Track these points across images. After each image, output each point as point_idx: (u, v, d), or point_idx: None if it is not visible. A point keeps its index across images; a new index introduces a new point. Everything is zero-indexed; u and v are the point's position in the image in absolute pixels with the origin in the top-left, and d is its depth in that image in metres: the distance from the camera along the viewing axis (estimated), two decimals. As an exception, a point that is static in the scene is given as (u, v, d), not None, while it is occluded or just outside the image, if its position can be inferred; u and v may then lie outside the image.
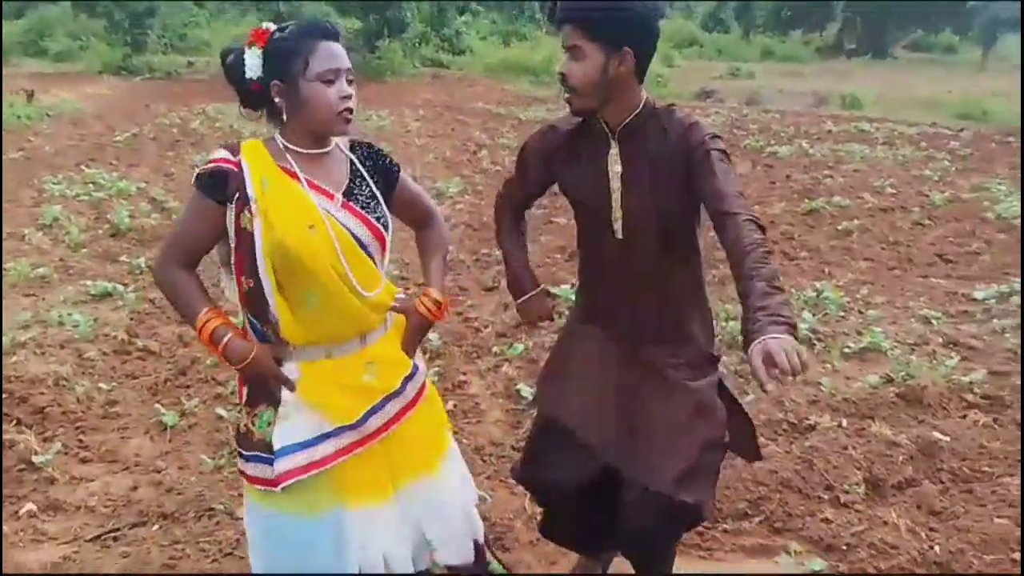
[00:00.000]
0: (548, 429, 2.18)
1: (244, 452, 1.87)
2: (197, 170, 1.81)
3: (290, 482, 1.79)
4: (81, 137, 10.94)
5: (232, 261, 1.81)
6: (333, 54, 1.77)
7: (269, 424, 1.82)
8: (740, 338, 4.41)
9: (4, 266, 5.42)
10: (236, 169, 1.76)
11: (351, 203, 1.85)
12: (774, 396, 3.86)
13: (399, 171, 1.99)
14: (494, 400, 3.88)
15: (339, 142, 1.92)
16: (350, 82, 1.80)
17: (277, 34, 1.78)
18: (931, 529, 2.91)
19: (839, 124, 13.58)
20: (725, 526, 2.93)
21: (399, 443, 1.93)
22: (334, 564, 1.86)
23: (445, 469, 2.04)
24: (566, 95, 1.95)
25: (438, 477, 2.00)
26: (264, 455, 1.82)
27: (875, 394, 3.89)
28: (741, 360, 4.28)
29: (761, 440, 3.40)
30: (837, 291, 5.29)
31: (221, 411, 3.68)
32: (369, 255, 1.86)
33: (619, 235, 2.02)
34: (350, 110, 1.79)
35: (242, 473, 1.89)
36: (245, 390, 1.89)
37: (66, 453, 3.35)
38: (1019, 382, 4.00)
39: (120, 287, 5.24)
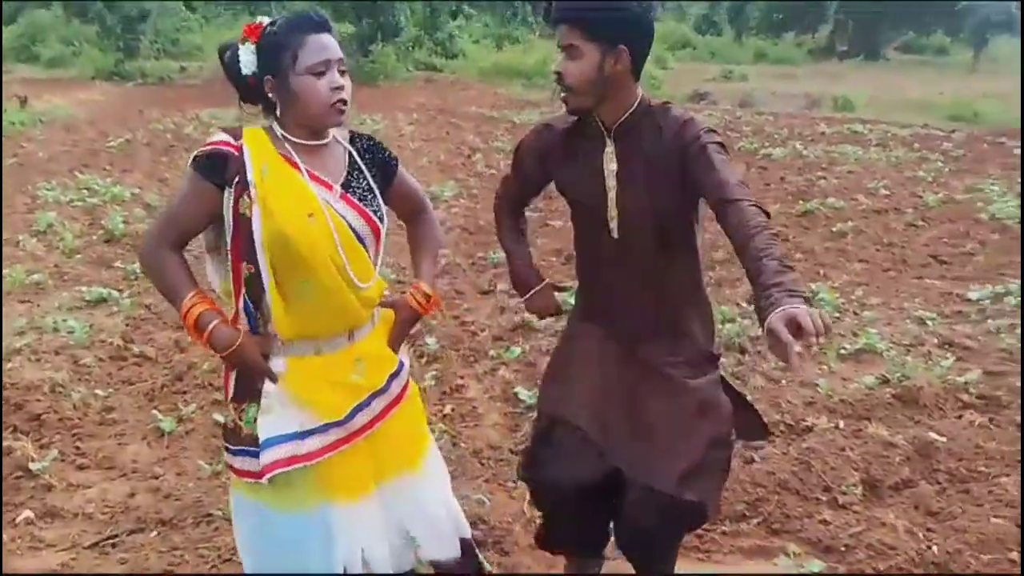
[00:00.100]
0: (551, 428, 2.18)
1: (232, 447, 1.87)
2: (195, 151, 1.80)
3: (275, 473, 1.79)
4: (74, 143, 10.90)
5: (229, 247, 1.80)
6: (322, 46, 1.76)
7: (256, 420, 1.82)
8: (737, 339, 4.44)
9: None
10: (237, 153, 1.76)
11: (349, 194, 1.85)
12: (771, 397, 3.87)
13: (397, 164, 2.01)
14: (492, 404, 3.89)
15: (338, 134, 1.92)
16: (343, 72, 1.80)
17: (269, 29, 1.79)
18: (929, 529, 2.91)
19: (832, 126, 13.62)
20: (723, 528, 2.93)
21: (384, 440, 1.94)
22: (323, 560, 1.86)
23: (427, 466, 2.05)
24: (562, 94, 1.96)
25: (421, 475, 2.02)
26: (252, 449, 1.82)
27: (871, 395, 3.90)
28: (738, 362, 4.30)
29: (759, 441, 3.44)
30: (832, 292, 5.30)
31: (218, 416, 3.66)
32: (364, 248, 1.87)
33: (615, 234, 2.02)
34: (343, 101, 1.79)
35: (230, 467, 1.89)
36: (232, 386, 1.89)
37: (63, 460, 3.34)
38: (1014, 382, 4.02)
39: (115, 293, 5.22)
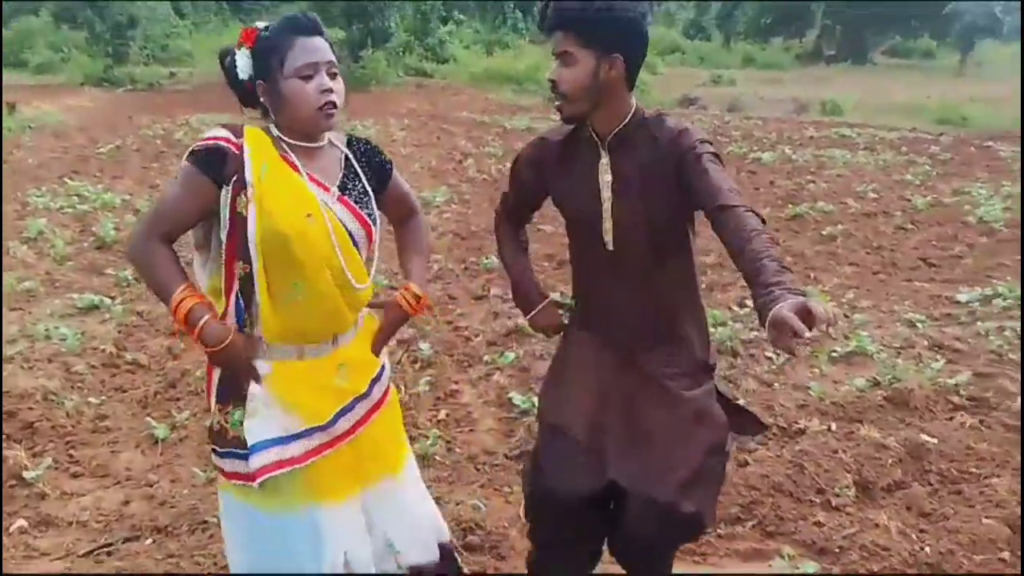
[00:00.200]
0: (553, 439, 2.16)
1: (219, 449, 1.87)
2: (192, 146, 1.78)
3: (265, 477, 1.79)
4: (64, 149, 10.86)
5: (224, 246, 1.80)
6: (310, 48, 1.77)
7: (242, 423, 1.82)
8: (729, 343, 4.46)
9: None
10: (237, 151, 1.76)
11: (345, 196, 1.87)
12: (764, 400, 3.89)
13: (392, 168, 2.02)
14: (486, 409, 3.89)
15: (333, 137, 1.93)
16: (333, 75, 1.80)
17: (262, 33, 1.80)
18: (921, 531, 2.94)
19: (820, 130, 13.70)
20: (719, 531, 2.95)
21: (366, 445, 1.94)
22: (312, 561, 1.87)
23: (407, 471, 2.06)
24: (556, 102, 1.96)
25: (401, 480, 2.03)
26: (239, 451, 1.82)
27: (863, 397, 3.93)
28: (731, 365, 4.32)
29: (752, 444, 3.47)
30: (823, 296, 5.33)
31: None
32: (357, 250, 1.88)
33: (609, 247, 2.02)
34: (332, 104, 1.78)
35: (219, 469, 1.90)
36: (215, 388, 1.88)
37: (56, 468, 3.33)
38: (1004, 384, 4.06)
39: (107, 300, 5.21)
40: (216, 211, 1.79)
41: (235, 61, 1.81)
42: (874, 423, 3.66)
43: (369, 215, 1.89)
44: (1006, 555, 2.80)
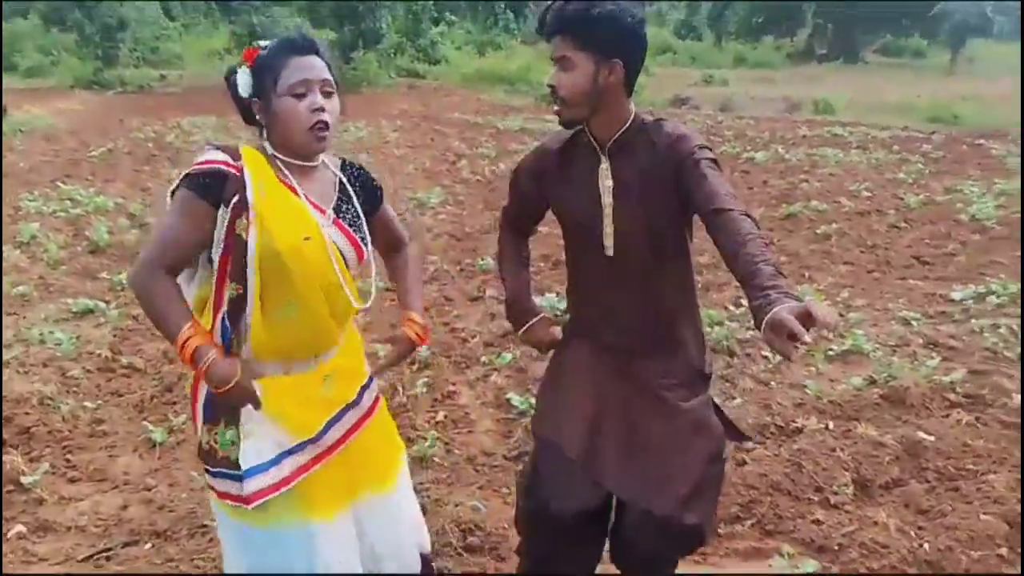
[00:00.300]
0: (547, 454, 2.14)
1: (210, 468, 1.86)
2: (188, 170, 1.76)
3: (260, 501, 1.79)
4: (55, 153, 10.82)
5: (216, 265, 1.78)
6: (303, 67, 1.76)
7: (233, 443, 1.81)
8: (725, 342, 4.47)
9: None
10: (237, 173, 1.74)
11: (340, 219, 1.87)
12: (761, 399, 3.90)
13: (383, 194, 2.03)
14: (484, 410, 3.89)
15: (327, 159, 1.93)
16: (328, 94, 1.79)
17: (261, 52, 1.80)
18: (920, 528, 2.95)
19: (813, 129, 13.75)
20: (718, 530, 2.95)
21: (357, 455, 1.94)
22: (308, 571, 1.86)
23: (399, 483, 2.06)
24: (555, 106, 1.96)
25: (393, 490, 2.02)
26: (230, 471, 1.81)
27: (859, 396, 3.94)
28: (727, 364, 4.33)
29: (750, 444, 3.48)
30: (818, 295, 5.35)
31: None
32: (349, 271, 1.89)
33: (609, 252, 2.01)
34: (323, 124, 1.77)
35: (211, 487, 1.89)
36: (200, 408, 1.87)
37: (54, 473, 3.31)
38: (999, 380, 4.07)
39: (101, 304, 5.19)
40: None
41: (237, 79, 1.81)
42: (871, 421, 3.68)
43: (362, 238, 1.90)
44: (1004, 551, 2.81)
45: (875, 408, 3.84)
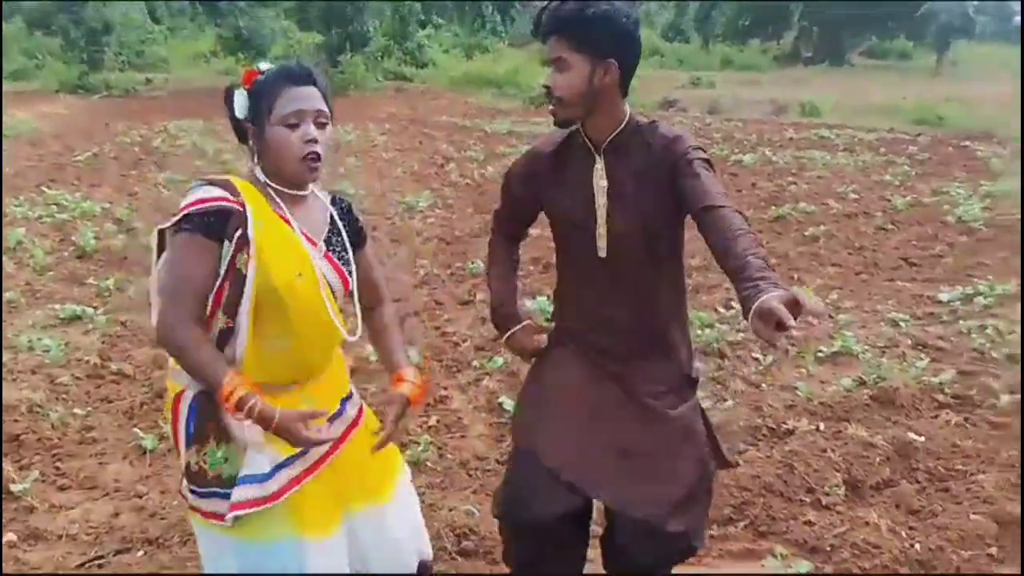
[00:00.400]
0: (525, 466, 2.12)
1: (199, 489, 1.82)
2: (187, 210, 1.72)
3: (241, 512, 1.77)
4: (40, 157, 10.75)
5: (211, 298, 1.76)
6: (298, 97, 1.76)
7: (225, 460, 1.80)
8: (716, 344, 4.48)
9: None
10: (240, 208, 1.74)
11: (330, 252, 1.88)
12: (752, 401, 3.92)
13: (366, 237, 2.03)
14: (477, 414, 3.89)
15: (316, 189, 1.93)
16: (322, 125, 1.79)
17: (259, 77, 1.79)
18: (911, 528, 2.97)
19: (800, 131, 13.83)
20: (712, 532, 2.96)
21: (346, 467, 1.93)
22: None
23: (397, 492, 2.03)
24: (551, 106, 1.95)
25: (388, 500, 2.00)
26: (221, 490, 1.79)
27: (849, 397, 3.97)
28: (718, 367, 4.35)
29: (742, 445, 3.50)
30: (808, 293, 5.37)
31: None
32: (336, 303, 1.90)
33: (602, 253, 2.00)
34: (315, 155, 1.77)
35: (196, 509, 1.85)
36: (182, 429, 1.84)
37: (44, 481, 3.29)
38: (987, 381, 4.11)
39: (89, 310, 5.16)
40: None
41: (234, 100, 1.80)
42: (861, 422, 3.70)
43: (348, 271, 1.91)
44: (994, 550, 2.84)
45: (865, 409, 3.86)
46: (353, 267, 1.93)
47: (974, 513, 3.02)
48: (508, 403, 3.86)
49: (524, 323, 2.23)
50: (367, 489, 1.97)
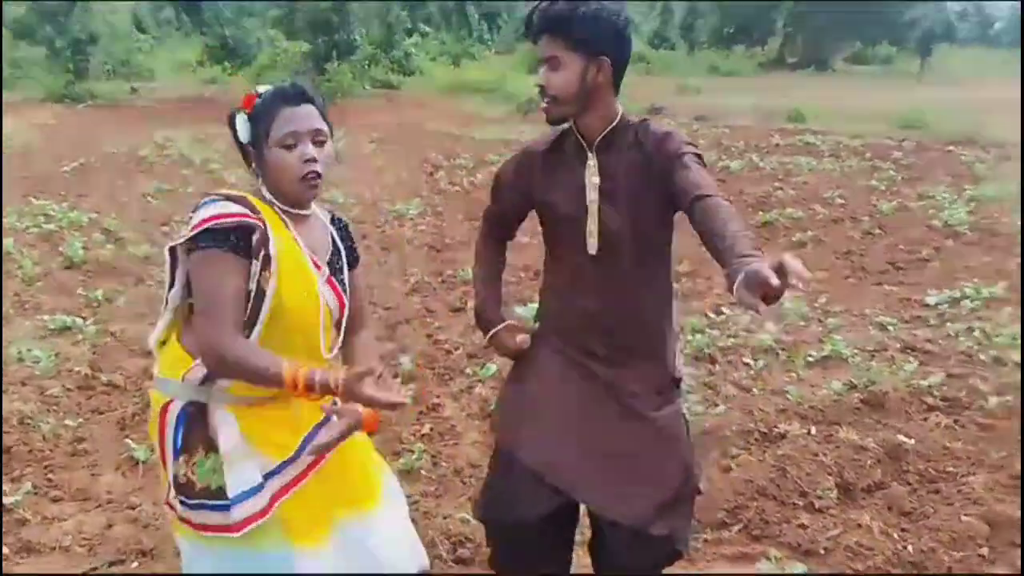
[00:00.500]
0: (510, 467, 2.11)
1: (188, 501, 1.81)
2: (207, 226, 1.71)
3: (248, 529, 1.77)
4: (27, 167, 10.69)
5: None
6: (292, 117, 1.77)
7: (213, 471, 1.79)
8: (707, 350, 4.50)
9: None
10: (261, 226, 1.74)
11: (332, 277, 1.89)
12: (744, 406, 3.94)
13: (359, 259, 2.03)
14: (470, 421, 3.90)
15: (316, 208, 1.94)
16: (320, 143, 1.79)
17: (258, 100, 1.80)
18: (903, 530, 3.00)
19: (786, 137, 13.90)
20: (706, 536, 2.98)
21: (334, 476, 1.92)
22: None
23: (383, 502, 2.01)
24: (544, 104, 1.96)
25: (375, 513, 1.98)
26: (210, 502, 1.79)
27: (840, 401, 4.00)
28: (709, 372, 4.37)
29: (735, 450, 3.52)
30: (797, 301, 5.42)
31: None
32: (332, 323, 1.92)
33: (592, 251, 2.01)
34: (315, 174, 1.78)
35: (185, 521, 1.83)
36: (169, 440, 1.83)
37: (36, 493, 3.27)
38: (975, 383, 4.16)
39: (79, 320, 5.14)
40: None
41: (237, 125, 1.82)
42: (852, 425, 3.73)
43: (346, 295, 1.92)
44: (985, 551, 2.87)
45: (856, 413, 3.90)
46: (349, 290, 1.94)
47: (965, 514, 3.05)
48: (501, 410, 3.86)
49: (507, 322, 2.23)
50: (352, 498, 1.96)
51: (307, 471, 1.87)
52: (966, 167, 10.86)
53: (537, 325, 2.22)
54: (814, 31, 34.47)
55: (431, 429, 3.81)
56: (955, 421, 3.80)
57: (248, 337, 1.76)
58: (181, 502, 1.82)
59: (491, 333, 2.23)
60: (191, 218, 1.76)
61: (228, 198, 1.77)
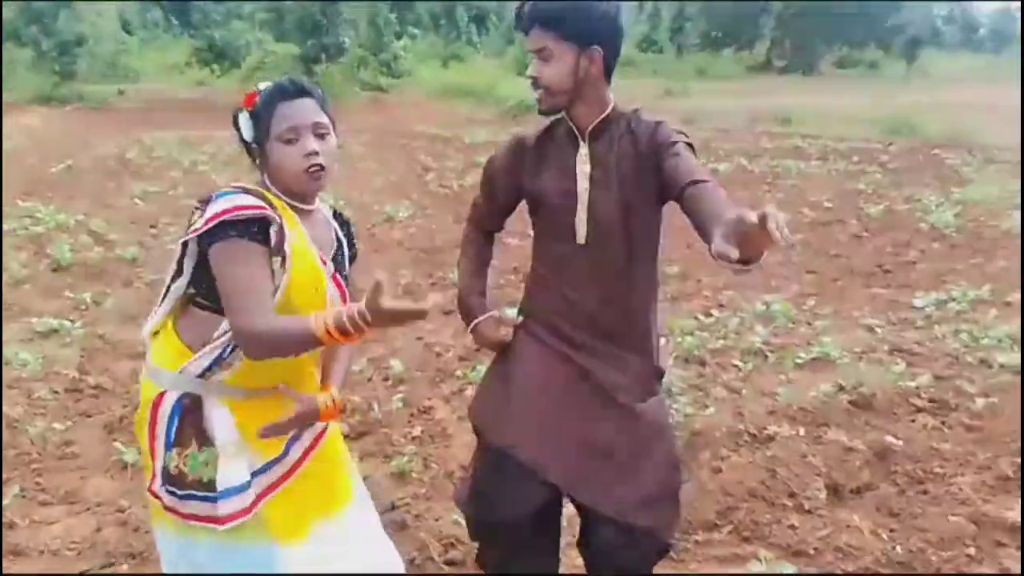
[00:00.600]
0: (500, 464, 2.09)
1: (178, 492, 1.81)
2: (226, 217, 1.69)
3: (233, 524, 1.78)
4: (14, 169, 10.62)
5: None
6: (290, 113, 1.76)
7: (206, 463, 1.79)
8: (696, 352, 4.50)
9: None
10: (279, 220, 1.74)
11: (336, 274, 1.89)
12: (734, 408, 3.96)
13: (357, 255, 2.04)
14: (461, 424, 3.89)
15: (321, 205, 1.93)
16: (322, 136, 1.79)
17: (259, 97, 1.80)
18: (891, 530, 3.02)
19: (774, 140, 13.99)
20: (696, 537, 2.99)
21: (312, 476, 1.92)
22: None
23: (354, 504, 2.01)
24: (536, 95, 1.97)
25: (346, 511, 1.98)
26: (199, 493, 1.79)
27: (829, 402, 4.01)
28: (699, 374, 4.39)
29: (724, 451, 3.53)
30: (785, 304, 5.45)
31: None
32: None
33: (581, 240, 2.00)
34: (318, 166, 1.77)
35: (171, 510, 1.83)
36: (161, 433, 1.82)
37: (24, 496, 3.25)
38: (961, 385, 4.19)
39: (67, 323, 5.11)
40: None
41: (240, 123, 1.82)
42: (841, 427, 3.75)
43: (348, 291, 1.92)
44: (972, 551, 2.89)
45: (844, 414, 3.91)
46: (349, 286, 1.94)
47: (952, 514, 3.07)
48: (492, 412, 3.86)
49: (489, 313, 2.21)
50: (331, 498, 1.97)
51: (292, 470, 1.88)
52: (952, 170, 10.96)
53: (520, 319, 2.20)
54: (802, 35, 34.70)
55: (422, 431, 3.81)
56: (942, 422, 3.83)
57: None
58: (169, 492, 1.81)
59: (473, 323, 2.22)
60: (201, 210, 1.75)
61: (246, 190, 1.76)
